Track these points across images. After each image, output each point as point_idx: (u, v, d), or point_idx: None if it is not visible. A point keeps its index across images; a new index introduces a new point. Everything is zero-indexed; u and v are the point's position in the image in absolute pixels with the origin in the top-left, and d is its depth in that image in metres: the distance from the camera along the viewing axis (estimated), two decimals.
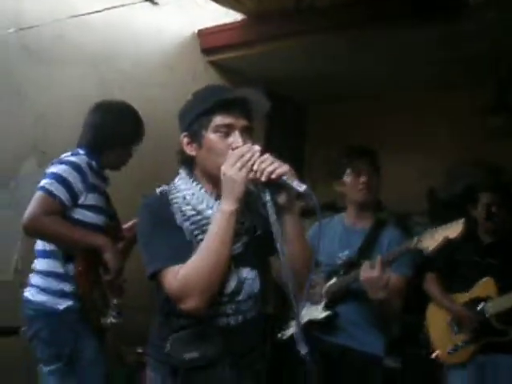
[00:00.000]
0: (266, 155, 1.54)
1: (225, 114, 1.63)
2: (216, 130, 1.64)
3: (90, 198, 2.42)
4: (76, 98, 3.55)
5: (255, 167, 1.52)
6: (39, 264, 2.46)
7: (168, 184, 1.75)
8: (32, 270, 2.48)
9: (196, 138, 1.68)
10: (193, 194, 1.67)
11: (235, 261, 1.63)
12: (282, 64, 4.48)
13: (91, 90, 3.67)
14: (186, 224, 1.63)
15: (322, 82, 4.80)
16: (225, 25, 4.35)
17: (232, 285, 1.64)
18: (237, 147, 1.58)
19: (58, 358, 2.34)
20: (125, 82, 3.93)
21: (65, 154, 2.48)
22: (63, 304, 2.36)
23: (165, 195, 1.69)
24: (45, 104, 3.51)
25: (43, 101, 3.50)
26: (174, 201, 1.67)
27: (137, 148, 2.65)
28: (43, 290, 2.38)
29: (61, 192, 2.32)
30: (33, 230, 2.32)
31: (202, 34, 4.48)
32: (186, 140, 1.71)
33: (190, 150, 1.70)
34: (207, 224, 1.61)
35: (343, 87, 4.91)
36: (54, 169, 2.39)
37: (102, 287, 2.45)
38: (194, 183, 1.70)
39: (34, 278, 2.44)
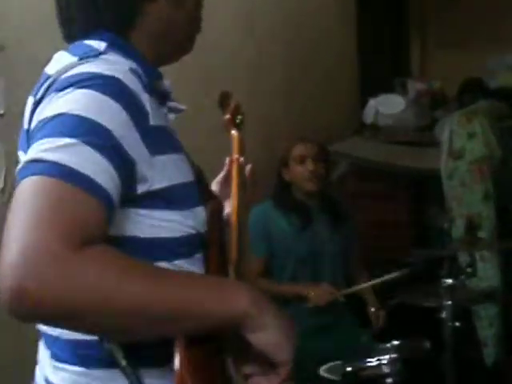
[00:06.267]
0: None
1: None
2: None
3: (160, 170, 0.79)
4: None
5: None
6: (59, 376, 0.82)
7: None
8: None
9: None
10: None
11: None
12: None
13: None
14: None
15: None
16: None
17: None
18: None
19: None
20: None
21: (71, 60, 0.80)
22: None
23: None
24: None
25: None
26: None
27: None
28: None
29: (102, 174, 0.70)
30: (47, 301, 0.64)
31: None
32: None
33: None
34: None
35: None
36: (65, 106, 0.73)
37: None
38: None
39: None
